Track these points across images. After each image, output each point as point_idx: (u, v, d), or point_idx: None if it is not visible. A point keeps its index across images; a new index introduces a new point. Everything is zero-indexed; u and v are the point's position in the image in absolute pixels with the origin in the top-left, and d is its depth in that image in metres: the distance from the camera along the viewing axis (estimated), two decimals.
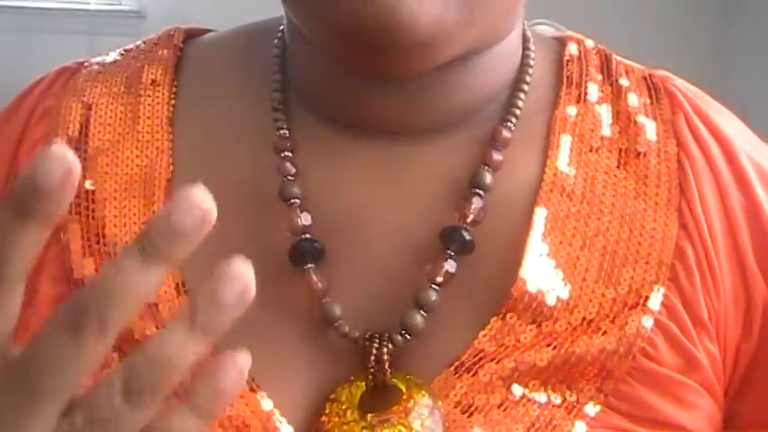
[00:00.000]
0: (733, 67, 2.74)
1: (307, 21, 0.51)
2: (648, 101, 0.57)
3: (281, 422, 0.50)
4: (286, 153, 0.54)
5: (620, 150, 0.55)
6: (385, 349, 0.51)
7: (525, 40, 0.58)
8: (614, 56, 0.60)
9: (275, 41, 0.58)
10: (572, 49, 0.59)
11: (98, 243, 0.54)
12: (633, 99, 0.57)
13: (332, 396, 0.51)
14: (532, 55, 0.57)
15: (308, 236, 0.53)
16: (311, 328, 0.52)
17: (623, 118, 0.56)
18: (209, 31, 0.63)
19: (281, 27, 0.59)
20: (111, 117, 0.57)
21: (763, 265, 0.53)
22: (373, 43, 0.47)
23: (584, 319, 0.52)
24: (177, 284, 0.53)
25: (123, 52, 0.61)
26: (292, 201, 0.53)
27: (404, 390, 0.50)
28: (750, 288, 0.53)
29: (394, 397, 0.50)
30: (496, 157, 0.54)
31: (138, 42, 0.62)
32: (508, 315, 0.51)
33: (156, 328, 0.52)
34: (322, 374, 0.52)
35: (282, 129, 0.55)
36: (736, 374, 0.54)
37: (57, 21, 2.75)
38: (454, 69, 0.52)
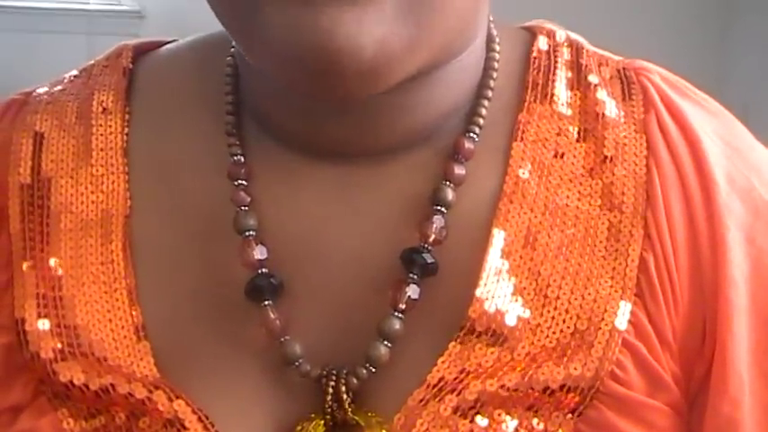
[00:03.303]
0: (733, 68, 2.74)
1: (247, 47, 0.48)
2: (620, 97, 0.54)
3: None
4: (241, 181, 0.52)
5: (586, 155, 0.52)
6: (343, 387, 0.49)
7: (490, 39, 0.55)
8: (586, 48, 0.57)
9: (228, 59, 0.56)
10: (541, 43, 0.56)
11: (53, 290, 0.52)
12: (603, 97, 0.54)
13: None
14: (497, 56, 0.55)
15: (264, 270, 0.51)
16: (271, 368, 0.51)
17: (591, 119, 0.53)
18: (162, 43, 0.60)
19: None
20: (63, 152, 0.55)
21: (716, 281, 0.51)
22: (314, 70, 0.44)
23: (547, 339, 0.49)
24: (137, 328, 0.52)
25: (72, 78, 0.59)
26: (247, 233, 0.51)
27: (364, 428, 0.49)
28: (705, 305, 0.51)
29: None
30: (458, 171, 0.51)
31: (89, 64, 0.60)
32: (466, 338, 0.49)
33: (112, 377, 0.50)
34: (283, 415, 0.50)
35: (237, 155, 0.53)
36: (688, 398, 0.51)
37: (56, 21, 2.74)
38: (412, 88, 0.49)
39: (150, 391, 0.50)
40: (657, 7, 2.81)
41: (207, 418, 0.49)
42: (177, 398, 0.50)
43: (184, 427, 0.49)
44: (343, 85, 0.45)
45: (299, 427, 0.49)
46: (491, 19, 0.55)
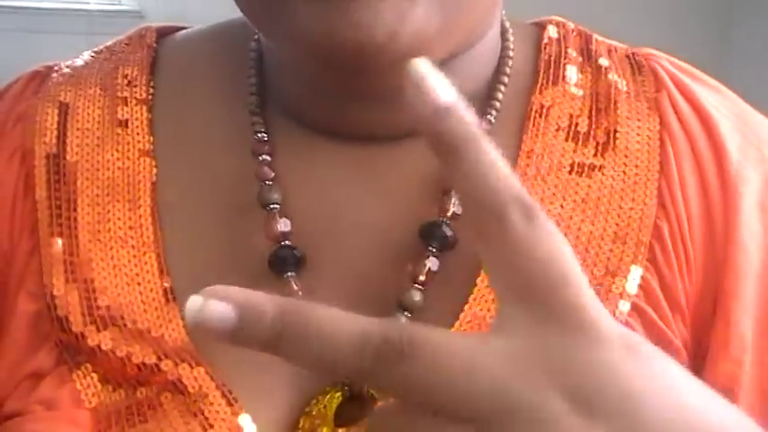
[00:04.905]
0: (733, 68, 2.74)
1: (275, 41, 0.50)
2: (631, 79, 0.56)
3: None
4: (264, 157, 0.53)
5: (600, 131, 0.54)
6: None
7: (504, 31, 0.57)
8: (595, 36, 0.59)
9: (252, 43, 0.57)
10: (551, 32, 0.58)
11: (80, 255, 0.53)
12: (614, 78, 0.56)
13: (306, 409, 0.50)
14: (512, 46, 0.56)
15: (287, 242, 0.52)
16: None
17: (603, 99, 0.55)
18: (181, 28, 0.62)
19: None
20: (88, 121, 0.56)
21: (726, 245, 0.52)
22: (353, 65, 0.46)
23: None
24: (165, 290, 0.52)
25: (93, 54, 0.60)
26: (271, 206, 0.52)
27: (379, 401, 0.49)
28: (718, 271, 0.52)
29: (370, 408, 0.49)
30: None
31: (108, 43, 0.61)
32: (477, 307, 0.50)
33: (140, 346, 0.51)
34: (303, 387, 0.51)
35: (260, 132, 0.54)
36: (696, 363, 0.52)
37: (57, 21, 2.75)
38: None
39: (176, 364, 0.50)
40: (657, 9, 2.81)
41: (230, 393, 0.50)
42: (203, 373, 0.50)
43: (209, 403, 0.49)
44: (377, 76, 0.47)
45: (314, 401, 0.50)
46: (503, 13, 0.57)
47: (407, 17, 0.45)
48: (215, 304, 0.34)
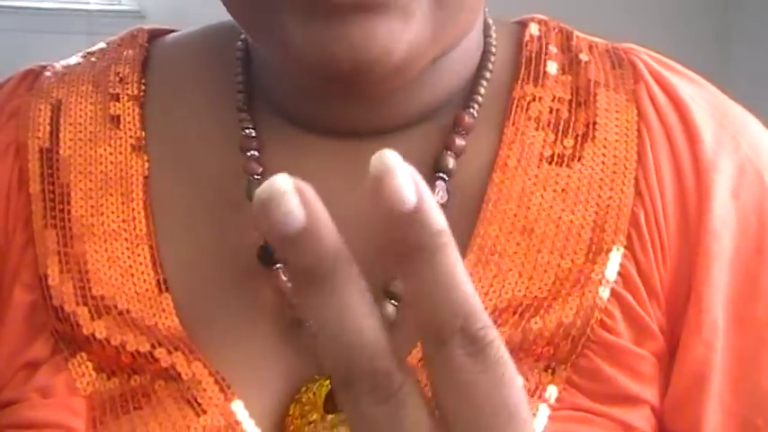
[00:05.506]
0: (732, 68, 2.74)
1: (270, 51, 0.51)
2: (611, 72, 0.57)
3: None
4: (252, 152, 0.55)
5: (579, 123, 0.55)
6: None
7: (486, 28, 0.58)
8: (576, 33, 0.60)
9: (238, 43, 0.59)
10: (532, 29, 0.59)
11: (74, 247, 0.54)
12: (593, 72, 0.57)
13: (296, 396, 0.51)
14: (494, 42, 0.58)
15: None
16: (282, 329, 0.52)
17: (583, 92, 0.56)
18: (172, 31, 0.63)
19: None
20: (81, 117, 0.57)
21: (699, 232, 0.53)
22: (347, 79, 0.47)
23: (539, 290, 0.51)
24: (158, 281, 0.53)
25: (86, 54, 0.61)
26: None
27: None
28: (692, 260, 0.53)
29: None
30: (459, 142, 0.54)
31: (100, 44, 0.62)
32: None
33: (134, 334, 0.52)
34: (294, 375, 0.52)
35: (248, 128, 0.55)
36: (671, 347, 0.53)
37: (56, 21, 2.75)
38: (419, 75, 0.52)
39: (170, 352, 0.51)
40: (657, 5, 2.81)
41: (223, 381, 0.50)
42: (196, 360, 0.51)
43: (202, 389, 0.50)
44: (370, 86, 0.49)
45: (303, 388, 0.51)
46: (486, 11, 0.59)
47: (402, 35, 0.46)
48: (293, 197, 0.32)
